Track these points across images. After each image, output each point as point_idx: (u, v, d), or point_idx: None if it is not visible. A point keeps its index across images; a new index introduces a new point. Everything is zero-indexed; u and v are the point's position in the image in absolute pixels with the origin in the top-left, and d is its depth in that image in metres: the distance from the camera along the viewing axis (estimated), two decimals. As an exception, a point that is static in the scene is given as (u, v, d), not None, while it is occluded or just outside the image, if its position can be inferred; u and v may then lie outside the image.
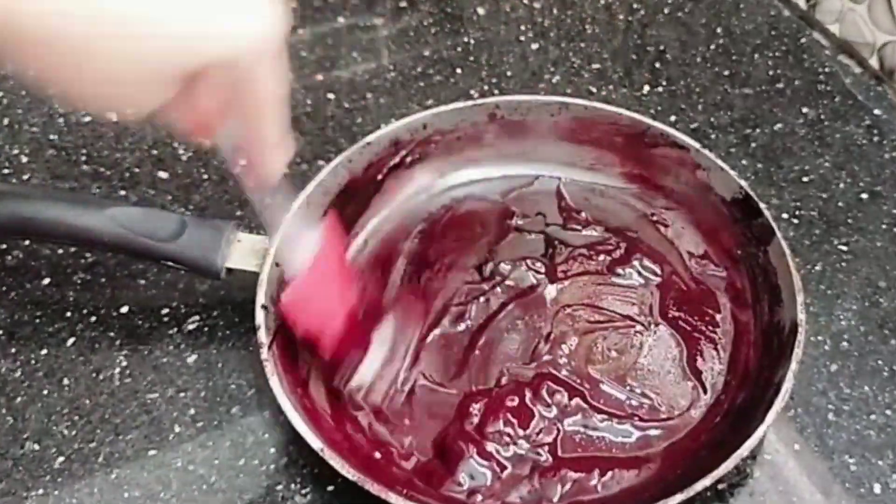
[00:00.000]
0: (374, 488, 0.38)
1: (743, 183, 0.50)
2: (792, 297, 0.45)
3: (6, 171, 0.58)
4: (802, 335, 0.43)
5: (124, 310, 0.51)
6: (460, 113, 0.55)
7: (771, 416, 0.40)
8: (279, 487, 0.44)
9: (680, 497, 0.38)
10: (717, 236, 0.52)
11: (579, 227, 0.54)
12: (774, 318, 0.46)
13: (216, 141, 0.39)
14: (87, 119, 0.61)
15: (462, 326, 0.49)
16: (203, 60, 0.32)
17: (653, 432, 0.45)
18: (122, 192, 0.57)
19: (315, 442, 0.40)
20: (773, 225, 0.48)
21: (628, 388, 0.46)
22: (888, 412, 0.46)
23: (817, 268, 0.53)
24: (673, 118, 0.62)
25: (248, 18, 0.33)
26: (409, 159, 0.55)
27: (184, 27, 0.32)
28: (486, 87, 0.65)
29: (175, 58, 0.32)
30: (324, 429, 0.42)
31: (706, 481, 0.38)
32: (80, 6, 0.30)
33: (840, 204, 0.56)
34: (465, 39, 0.69)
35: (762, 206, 0.49)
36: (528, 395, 0.45)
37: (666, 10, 0.72)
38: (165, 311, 0.50)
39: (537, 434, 0.44)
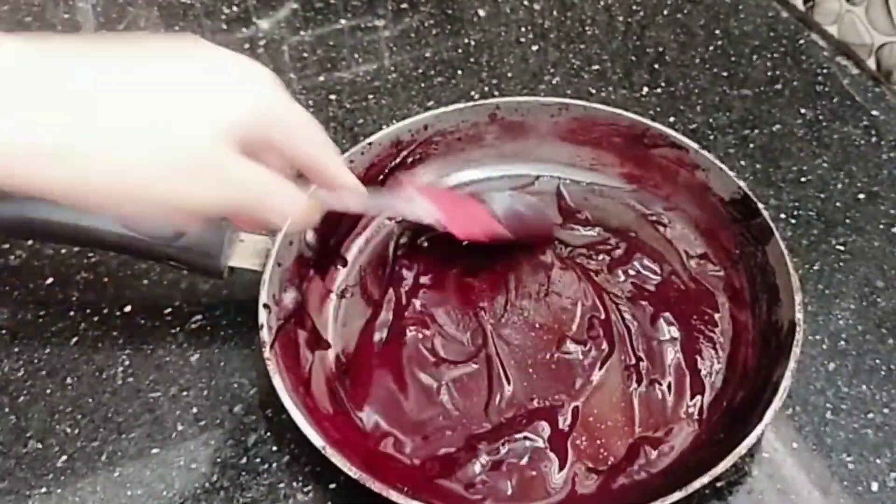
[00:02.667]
0: (375, 486, 0.38)
1: (741, 183, 0.50)
2: (790, 297, 0.45)
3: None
4: (800, 334, 0.43)
5: (127, 309, 0.51)
6: (461, 114, 0.55)
7: (769, 415, 0.40)
8: (281, 486, 0.44)
9: (679, 495, 0.38)
10: (715, 236, 0.53)
11: (579, 227, 0.54)
12: (773, 318, 0.47)
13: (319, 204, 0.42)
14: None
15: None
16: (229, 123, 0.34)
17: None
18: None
19: (317, 440, 0.40)
20: (772, 225, 0.48)
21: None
22: (886, 411, 0.46)
23: (815, 267, 0.53)
24: (672, 119, 0.62)
25: (242, 88, 0.35)
26: (410, 160, 0.55)
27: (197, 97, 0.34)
28: (486, 88, 0.65)
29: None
30: (325, 427, 0.42)
31: (705, 479, 0.38)
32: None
33: (838, 204, 0.57)
34: (466, 41, 0.70)
35: (760, 206, 0.49)
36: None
37: (665, 12, 0.72)
38: (168, 310, 0.51)
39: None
